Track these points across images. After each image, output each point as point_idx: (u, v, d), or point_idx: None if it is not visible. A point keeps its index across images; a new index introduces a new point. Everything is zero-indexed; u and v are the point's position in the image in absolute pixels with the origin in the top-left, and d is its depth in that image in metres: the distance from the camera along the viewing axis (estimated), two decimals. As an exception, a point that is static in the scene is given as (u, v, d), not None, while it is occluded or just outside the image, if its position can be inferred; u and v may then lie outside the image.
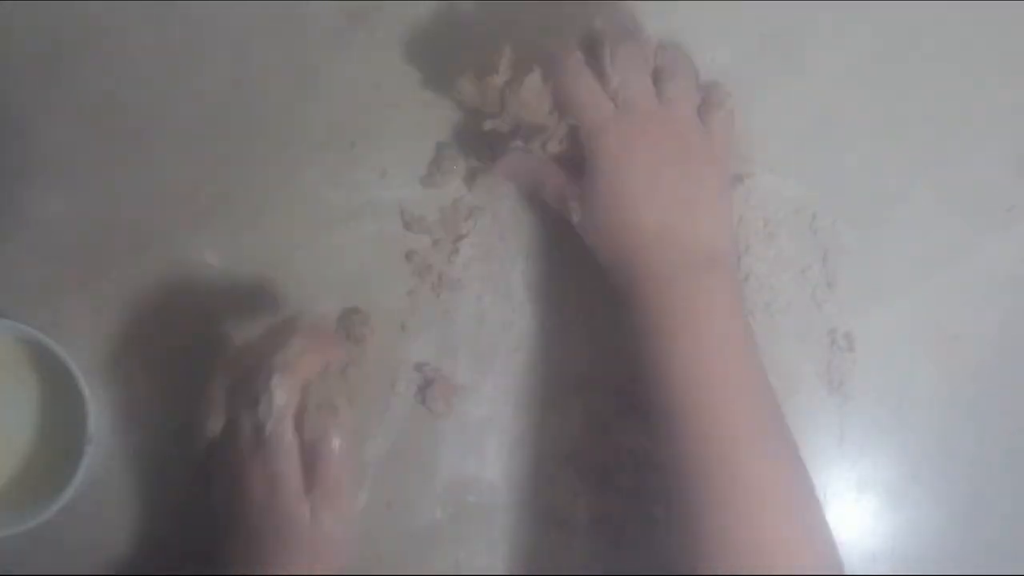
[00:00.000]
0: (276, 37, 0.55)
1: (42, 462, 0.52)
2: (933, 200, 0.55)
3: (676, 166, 0.47)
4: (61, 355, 0.49)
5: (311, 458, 0.45)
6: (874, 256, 0.55)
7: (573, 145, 0.48)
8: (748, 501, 0.44)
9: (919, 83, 0.56)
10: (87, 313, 0.54)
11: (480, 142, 0.53)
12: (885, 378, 0.55)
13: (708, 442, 0.44)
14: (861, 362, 0.54)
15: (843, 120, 0.55)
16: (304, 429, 0.45)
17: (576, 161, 0.48)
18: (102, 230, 0.54)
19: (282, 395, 0.44)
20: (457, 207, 0.54)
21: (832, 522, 0.53)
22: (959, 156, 0.55)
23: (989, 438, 0.55)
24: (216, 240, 0.54)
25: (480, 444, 0.53)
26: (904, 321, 0.55)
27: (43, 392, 0.52)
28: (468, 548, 0.53)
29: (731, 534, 0.44)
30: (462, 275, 0.54)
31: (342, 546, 0.46)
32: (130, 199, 0.54)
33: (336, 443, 0.45)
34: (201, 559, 0.52)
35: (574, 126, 0.48)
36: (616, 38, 0.48)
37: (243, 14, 0.55)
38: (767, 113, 0.55)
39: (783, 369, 0.54)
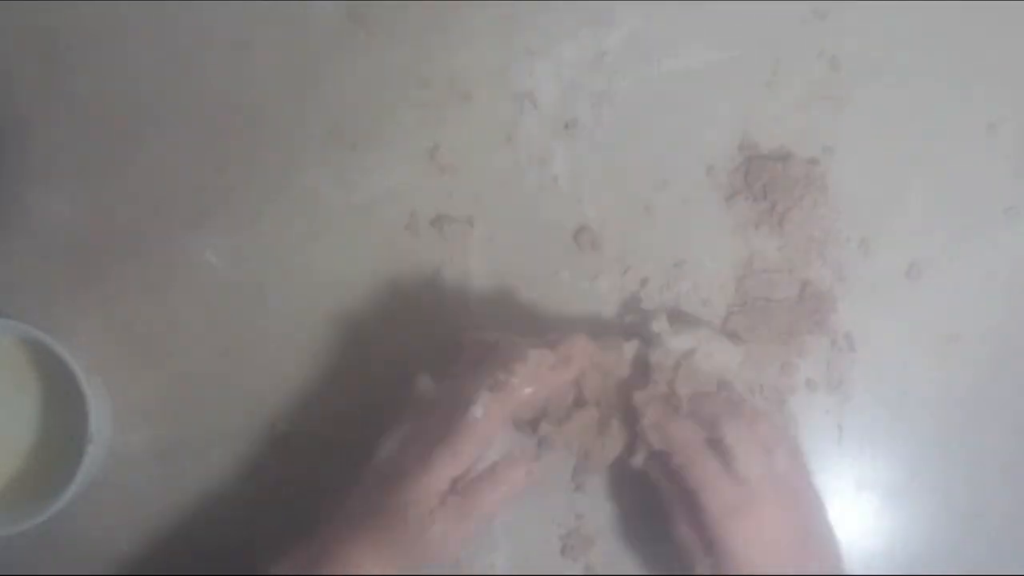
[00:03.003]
0: (276, 37, 0.55)
1: (43, 462, 0.52)
2: (933, 200, 0.55)
3: (800, 536, 0.48)
4: (62, 355, 0.49)
5: (478, 477, 0.46)
6: (874, 256, 0.55)
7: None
8: None
9: (918, 83, 0.56)
10: (87, 313, 0.54)
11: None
12: (885, 378, 0.55)
13: None
14: (861, 362, 0.54)
15: (842, 120, 0.55)
16: (491, 451, 0.46)
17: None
18: (102, 230, 0.54)
19: (480, 411, 0.45)
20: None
21: (831, 521, 0.53)
22: (958, 156, 0.55)
23: (989, 438, 0.55)
24: (216, 240, 0.54)
25: (480, 444, 0.53)
26: (904, 321, 0.55)
27: (44, 392, 0.52)
28: (468, 548, 0.53)
29: None
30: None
31: (438, 557, 0.46)
32: (131, 199, 0.54)
33: (512, 477, 0.46)
34: (201, 559, 0.52)
35: (698, 505, 0.47)
36: (729, 416, 0.48)
37: (243, 14, 0.55)
38: (767, 114, 0.55)
39: (783, 369, 0.54)
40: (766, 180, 0.55)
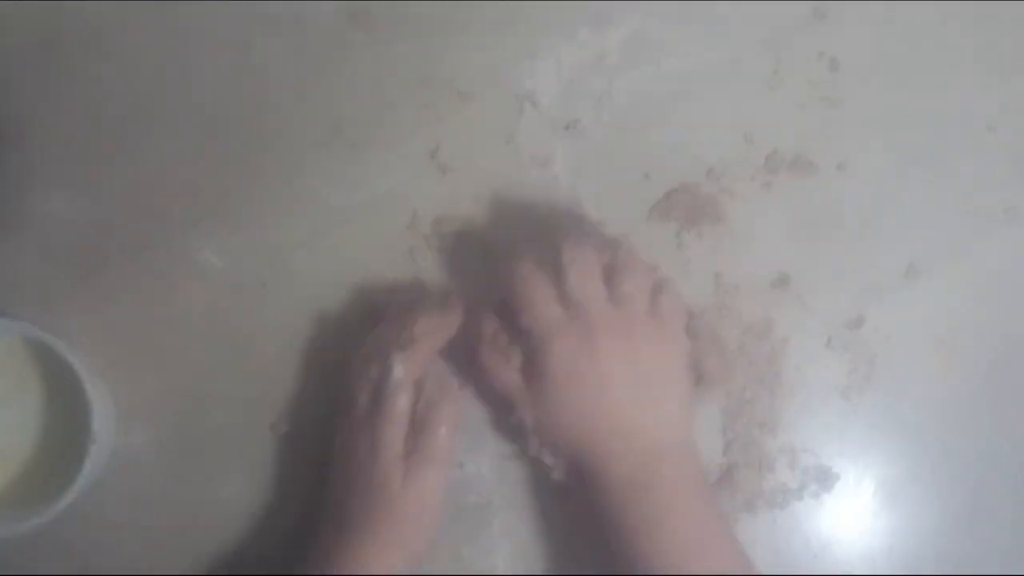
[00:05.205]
0: (276, 37, 0.55)
1: (45, 462, 0.52)
2: (932, 200, 0.55)
3: (627, 365, 0.46)
4: (65, 355, 0.49)
5: (418, 428, 0.47)
6: (874, 256, 0.55)
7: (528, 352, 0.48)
8: None
9: (918, 83, 0.56)
10: (88, 313, 0.54)
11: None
12: (885, 378, 0.55)
13: None
14: (861, 362, 0.55)
15: (842, 120, 0.55)
16: (419, 401, 0.48)
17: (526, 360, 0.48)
18: (102, 230, 0.54)
19: (400, 369, 0.47)
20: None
21: (832, 521, 0.53)
22: (958, 156, 0.55)
23: (989, 438, 0.55)
24: (216, 240, 0.54)
25: (480, 444, 0.54)
26: (904, 321, 0.55)
27: (46, 392, 0.52)
28: (469, 547, 0.53)
29: None
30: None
31: (428, 516, 0.47)
32: (130, 199, 0.54)
33: (445, 414, 0.47)
34: (201, 559, 0.53)
35: (527, 330, 0.47)
36: (568, 240, 0.48)
37: (243, 14, 0.55)
38: (766, 114, 0.55)
39: (783, 369, 0.54)
40: (766, 180, 0.55)
